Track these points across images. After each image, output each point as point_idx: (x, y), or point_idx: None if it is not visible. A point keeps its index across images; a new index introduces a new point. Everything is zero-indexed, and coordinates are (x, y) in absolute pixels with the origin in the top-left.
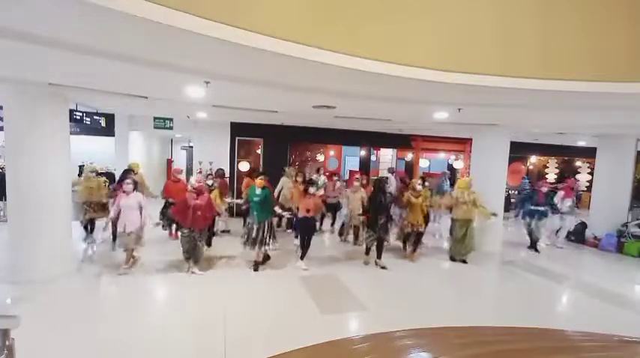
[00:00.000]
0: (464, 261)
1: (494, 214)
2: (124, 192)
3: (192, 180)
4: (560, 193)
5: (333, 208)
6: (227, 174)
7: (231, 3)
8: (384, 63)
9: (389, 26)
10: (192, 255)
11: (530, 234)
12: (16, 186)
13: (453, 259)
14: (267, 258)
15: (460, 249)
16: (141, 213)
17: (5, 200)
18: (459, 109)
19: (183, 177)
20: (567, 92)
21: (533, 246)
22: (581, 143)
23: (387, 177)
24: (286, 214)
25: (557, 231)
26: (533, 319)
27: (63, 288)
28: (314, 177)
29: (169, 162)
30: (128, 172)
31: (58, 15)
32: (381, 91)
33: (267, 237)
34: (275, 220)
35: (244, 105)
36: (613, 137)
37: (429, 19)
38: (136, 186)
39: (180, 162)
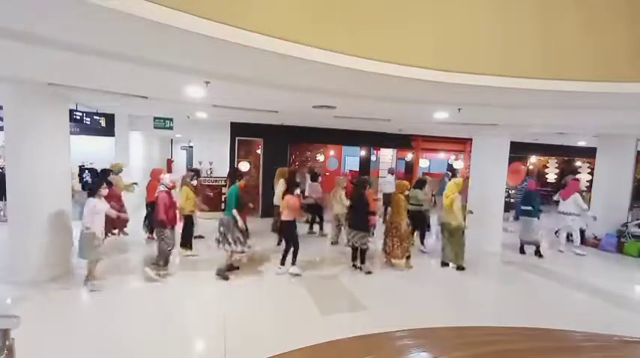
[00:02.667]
0: (459, 267)
1: (470, 212)
2: (100, 196)
3: (167, 179)
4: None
5: (318, 210)
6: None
7: (231, 3)
8: (384, 63)
9: (389, 26)
10: (168, 256)
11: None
12: (16, 186)
13: (443, 264)
14: (231, 267)
15: (447, 254)
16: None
17: (5, 200)
18: (459, 109)
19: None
20: (567, 92)
21: (525, 249)
22: (581, 143)
23: (368, 178)
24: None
25: (569, 235)
26: (533, 319)
27: (63, 288)
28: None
29: (169, 162)
30: (107, 173)
31: (59, 15)
32: (381, 91)
33: (226, 238)
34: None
35: (244, 105)
36: (613, 137)
37: (429, 19)
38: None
39: (180, 162)
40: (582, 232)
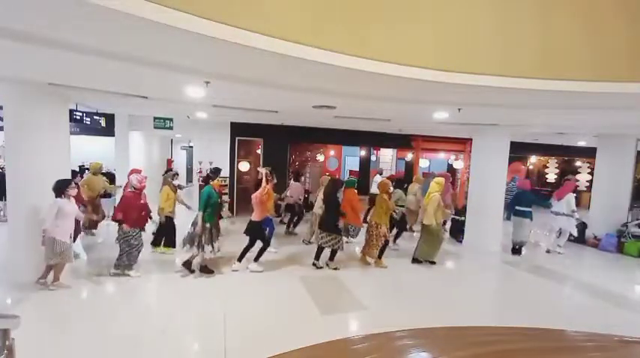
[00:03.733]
0: (418, 261)
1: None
2: (68, 196)
3: (134, 179)
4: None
5: (293, 209)
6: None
7: (231, 3)
8: (384, 63)
9: (389, 26)
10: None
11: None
12: (16, 186)
13: (414, 260)
14: (206, 269)
15: (419, 251)
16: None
17: (5, 200)
18: (459, 109)
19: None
20: (567, 92)
21: (516, 249)
22: (581, 143)
23: (340, 179)
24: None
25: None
26: (533, 319)
27: (63, 288)
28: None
29: (169, 162)
30: (75, 175)
31: (58, 15)
32: (381, 91)
33: (202, 242)
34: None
35: (244, 105)
36: (613, 137)
37: (429, 19)
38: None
39: (180, 162)
40: (578, 233)
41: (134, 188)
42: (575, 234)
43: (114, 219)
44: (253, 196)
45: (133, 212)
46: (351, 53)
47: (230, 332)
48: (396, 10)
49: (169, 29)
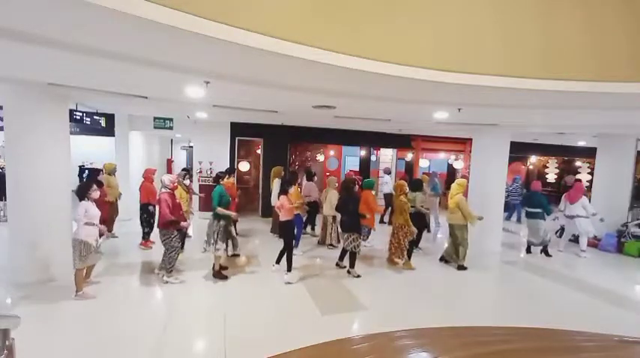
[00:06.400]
0: (461, 267)
1: (480, 218)
2: (91, 199)
3: (166, 179)
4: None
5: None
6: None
7: (231, 3)
8: (384, 63)
9: (389, 26)
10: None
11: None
12: (16, 186)
13: (442, 260)
14: (222, 270)
15: (450, 253)
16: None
17: (5, 200)
18: (459, 109)
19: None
20: (567, 92)
21: (532, 249)
22: (581, 143)
23: (355, 179)
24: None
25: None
26: (533, 319)
27: (63, 289)
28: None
29: (169, 162)
30: (97, 174)
31: (58, 15)
32: (381, 91)
33: (213, 239)
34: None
35: (244, 105)
36: (613, 137)
37: (429, 19)
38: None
39: (180, 162)
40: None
41: (167, 188)
42: (595, 233)
43: (163, 225)
44: (280, 199)
45: (173, 213)
46: (351, 53)
47: (230, 333)
48: (396, 10)
49: (169, 29)
